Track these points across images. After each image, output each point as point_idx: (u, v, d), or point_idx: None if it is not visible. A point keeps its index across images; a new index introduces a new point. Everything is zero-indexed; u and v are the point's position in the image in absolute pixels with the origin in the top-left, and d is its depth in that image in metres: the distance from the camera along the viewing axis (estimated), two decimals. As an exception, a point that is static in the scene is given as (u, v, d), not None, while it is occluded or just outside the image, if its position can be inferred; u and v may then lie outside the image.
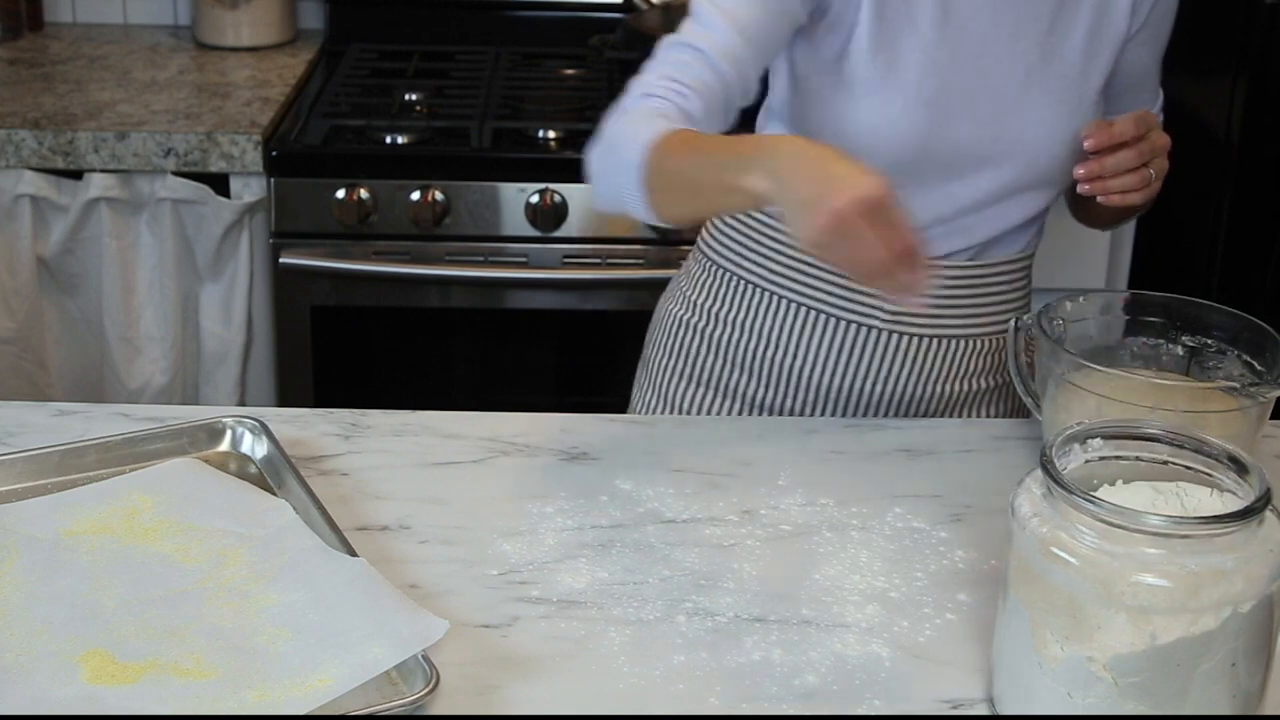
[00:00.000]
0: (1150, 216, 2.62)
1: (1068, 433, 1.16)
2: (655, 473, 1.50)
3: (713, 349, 1.75)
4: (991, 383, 1.74)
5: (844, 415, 1.71)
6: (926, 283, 1.27)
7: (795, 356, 1.70)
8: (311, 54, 2.97)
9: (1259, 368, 1.43)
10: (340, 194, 2.46)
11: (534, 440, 1.56)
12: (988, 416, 1.75)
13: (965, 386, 1.72)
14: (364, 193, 2.46)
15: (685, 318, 1.77)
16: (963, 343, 1.70)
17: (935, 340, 1.69)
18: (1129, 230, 2.61)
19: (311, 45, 3.03)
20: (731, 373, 1.74)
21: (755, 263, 1.71)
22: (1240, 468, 1.12)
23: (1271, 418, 1.43)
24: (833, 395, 1.71)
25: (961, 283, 1.68)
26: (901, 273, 1.25)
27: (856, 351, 1.68)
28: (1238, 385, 1.39)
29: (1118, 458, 1.16)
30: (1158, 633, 1.05)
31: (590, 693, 1.19)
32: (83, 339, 2.60)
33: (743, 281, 1.72)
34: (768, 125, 1.72)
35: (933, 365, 1.70)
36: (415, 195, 2.45)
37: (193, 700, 1.13)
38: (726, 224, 1.74)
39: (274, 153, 2.48)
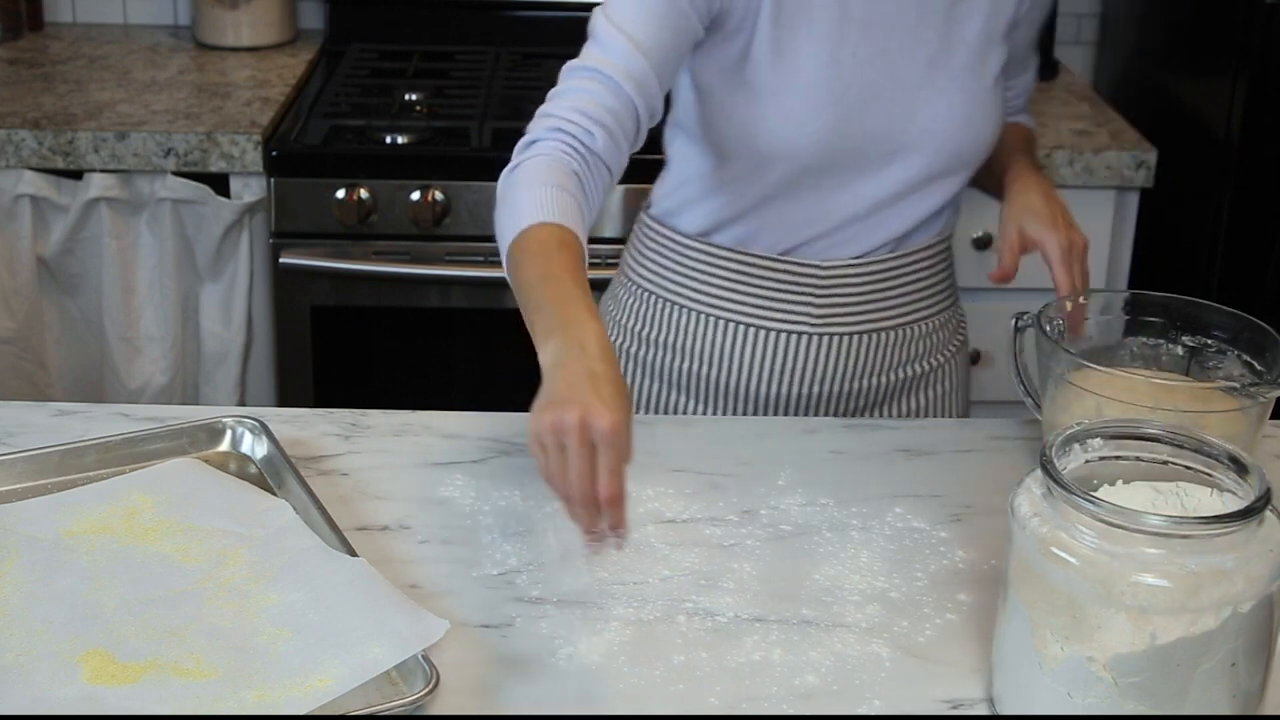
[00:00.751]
0: (1150, 216, 2.62)
1: (1068, 433, 1.16)
2: (655, 473, 1.50)
3: (647, 373, 1.74)
4: (922, 368, 1.75)
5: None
6: (611, 536, 1.21)
7: (729, 371, 1.71)
8: (311, 54, 2.97)
9: (1259, 368, 1.43)
10: (340, 194, 2.46)
11: (534, 440, 1.56)
12: (919, 402, 1.76)
13: (896, 376, 1.73)
14: (364, 193, 2.46)
15: (617, 344, 1.76)
16: (891, 334, 1.71)
17: (864, 336, 1.70)
18: (1129, 230, 2.61)
19: (311, 45, 3.03)
20: (668, 393, 1.74)
21: (680, 284, 1.71)
22: (1240, 468, 1.12)
23: (1271, 417, 1.43)
24: (768, 403, 1.71)
25: (884, 276, 1.69)
26: (584, 512, 1.19)
27: (789, 358, 1.69)
28: (1238, 385, 1.39)
29: (1118, 458, 1.16)
30: (1158, 633, 1.05)
31: (590, 693, 1.19)
32: (83, 339, 2.60)
33: (670, 304, 1.72)
34: (674, 141, 1.71)
35: (863, 360, 1.71)
36: (415, 195, 2.45)
37: (193, 700, 1.13)
38: (650, 249, 1.74)
39: (274, 153, 2.48)
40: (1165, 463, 1.16)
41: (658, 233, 1.73)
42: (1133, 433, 1.17)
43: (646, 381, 1.75)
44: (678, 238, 1.71)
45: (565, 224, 1.39)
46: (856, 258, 1.67)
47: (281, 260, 2.49)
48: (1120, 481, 1.15)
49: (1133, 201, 2.59)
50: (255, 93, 2.70)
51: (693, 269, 1.70)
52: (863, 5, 1.58)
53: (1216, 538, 1.05)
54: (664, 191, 1.74)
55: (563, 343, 1.25)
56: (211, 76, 2.81)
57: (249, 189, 2.50)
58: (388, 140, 2.53)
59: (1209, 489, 1.13)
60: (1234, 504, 1.10)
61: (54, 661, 1.18)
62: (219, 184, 2.49)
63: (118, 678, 1.16)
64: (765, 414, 1.72)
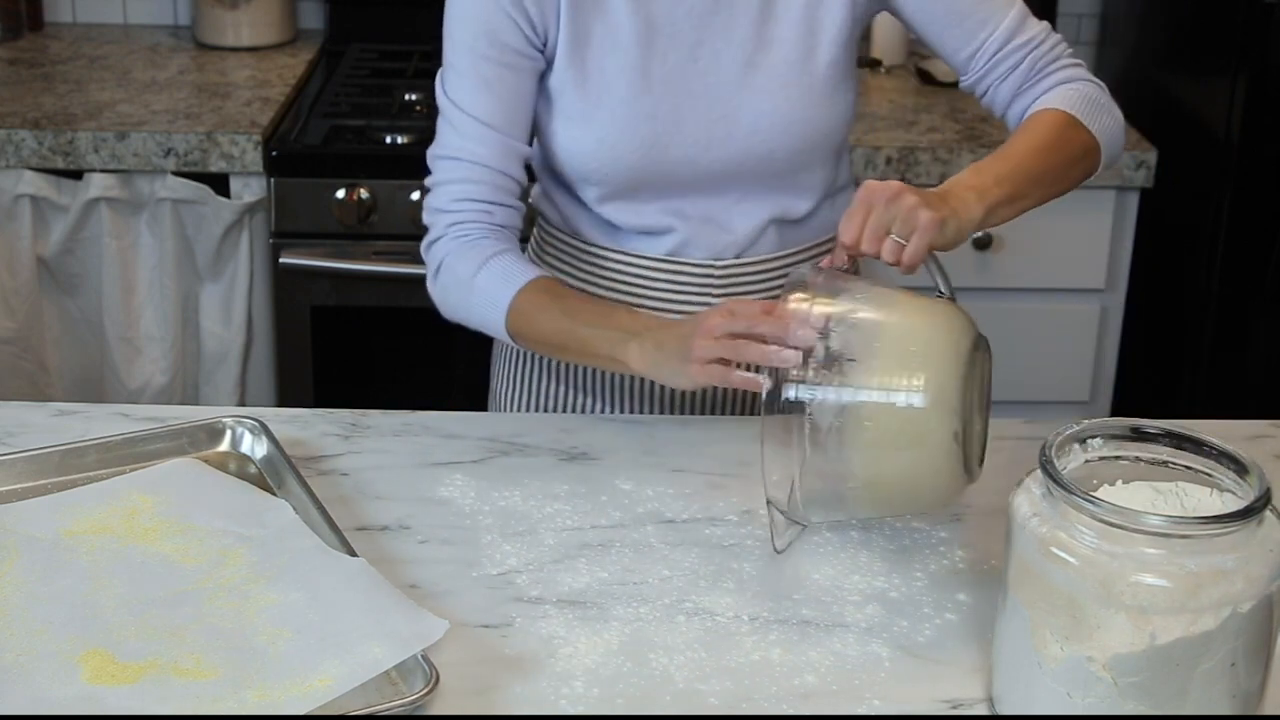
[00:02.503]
0: (1150, 216, 2.62)
1: (1068, 433, 1.16)
2: (655, 473, 1.50)
3: (555, 377, 1.72)
4: None
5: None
6: (801, 326, 1.31)
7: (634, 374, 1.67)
8: (311, 54, 2.97)
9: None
10: (340, 194, 2.47)
11: (534, 440, 1.56)
12: None
13: None
14: (364, 193, 2.46)
15: (523, 350, 1.73)
16: None
17: None
18: (1129, 230, 2.61)
19: (311, 45, 3.03)
20: (577, 397, 1.71)
21: (585, 280, 1.67)
22: (1240, 468, 1.12)
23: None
24: (674, 403, 1.69)
25: (779, 275, 1.65)
26: (776, 325, 1.32)
27: None
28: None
29: (1118, 458, 1.16)
30: (1157, 633, 1.05)
31: (591, 693, 1.19)
32: (83, 339, 2.60)
33: None
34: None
35: None
36: (415, 195, 2.45)
37: (193, 700, 1.14)
38: (551, 255, 1.70)
39: (274, 153, 2.48)
40: (1165, 463, 1.16)
41: (554, 235, 1.70)
42: (1133, 433, 1.17)
43: (555, 386, 1.72)
44: (586, 246, 1.67)
45: (537, 275, 1.53)
46: (738, 257, 1.64)
47: (281, 260, 2.49)
48: (1120, 481, 1.15)
49: (1133, 201, 2.59)
50: (255, 93, 2.70)
51: (599, 274, 1.67)
52: (666, 15, 1.55)
53: (1216, 538, 1.05)
54: (536, 197, 1.72)
55: (641, 337, 1.44)
56: (211, 76, 2.81)
57: (249, 189, 2.50)
58: (388, 140, 2.53)
59: (1209, 489, 1.13)
60: (1234, 504, 1.10)
61: (54, 661, 1.18)
62: (219, 184, 2.49)
63: (118, 678, 1.16)
64: (672, 414, 1.69)
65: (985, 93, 1.61)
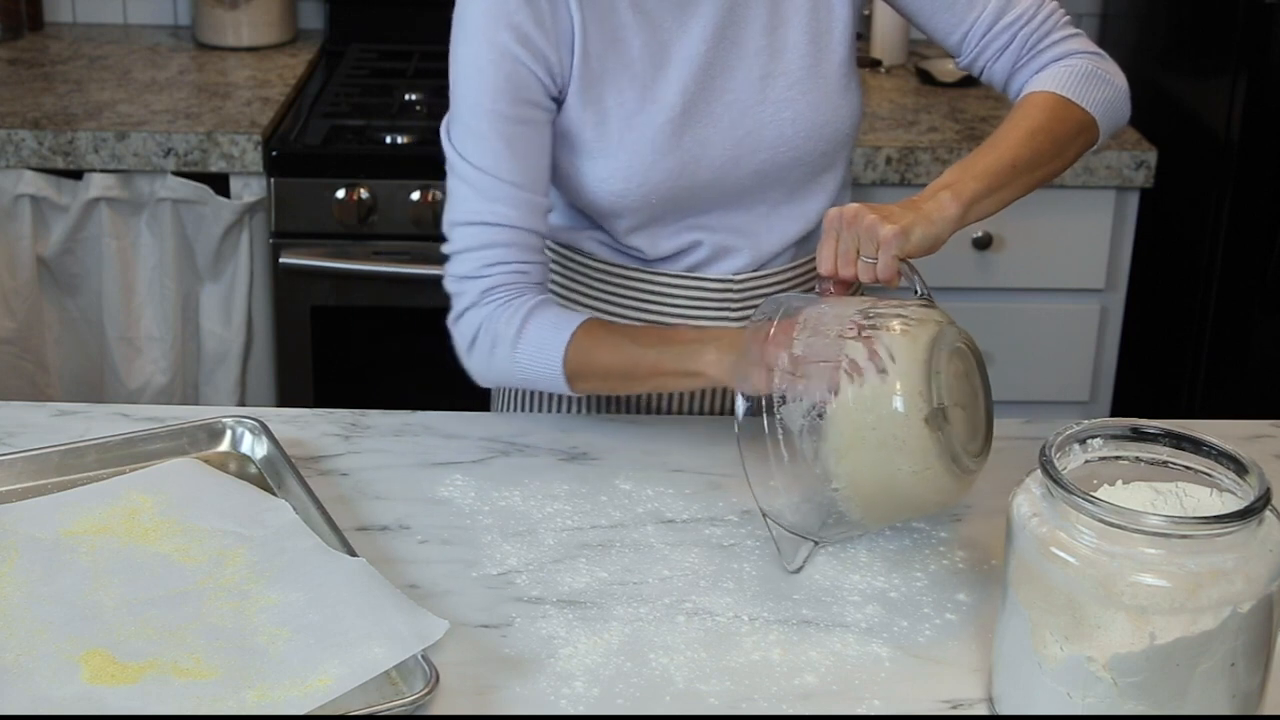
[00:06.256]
0: (1150, 216, 2.62)
1: (1068, 433, 1.16)
2: (655, 473, 1.50)
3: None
4: None
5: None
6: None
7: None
8: (311, 54, 2.97)
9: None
10: (340, 194, 2.47)
11: (534, 440, 1.56)
12: None
13: None
14: (364, 193, 2.46)
15: None
16: None
17: None
18: (1129, 230, 2.61)
19: (311, 45, 3.03)
20: (587, 411, 1.70)
21: (598, 299, 1.66)
22: (1240, 468, 1.12)
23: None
24: (678, 405, 1.68)
25: (796, 285, 1.66)
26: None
27: None
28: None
29: (1118, 458, 1.16)
30: (1157, 632, 1.05)
31: (591, 693, 1.19)
32: (83, 339, 2.60)
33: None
34: None
35: None
36: (415, 195, 2.45)
37: (193, 700, 1.14)
38: (559, 273, 1.69)
39: (274, 153, 2.48)
40: (1165, 463, 1.16)
41: (557, 253, 1.69)
42: (1133, 433, 1.17)
43: (562, 399, 1.70)
44: (579, 259, 1.66)
45: (587, 317, 1.50)
46: (758, 271, 1.63)
47: (281, 260, 2.49)
48: (1120, 481, 1.15)
49: (1133, 201, 2.59)
50: (255, 93, 2.70)
51: (612, 287, 1.66)
52: (677, 40, 1.53)
53: (1216, 538, 1.05)
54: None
55: (718, 342, 1.43)
56: (211, 76, 2.81)
57: (249, 189, 2.50)
58: (388, 140, 2.53)
59: (1209, 489, 1.13)
60: (1234, 504, 1.10)
61: (54, 661, 1.18)
62: (219, 184, 2.49)
63: (118, 678, 1.16)
64: (672, 414, 1.68)
65: (981, 72, 1.62)
